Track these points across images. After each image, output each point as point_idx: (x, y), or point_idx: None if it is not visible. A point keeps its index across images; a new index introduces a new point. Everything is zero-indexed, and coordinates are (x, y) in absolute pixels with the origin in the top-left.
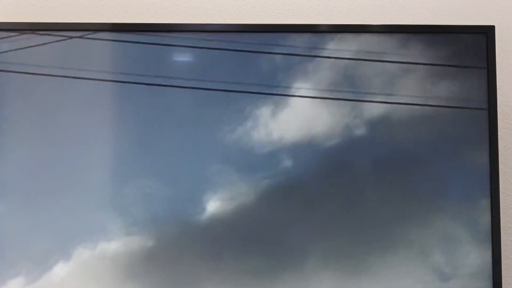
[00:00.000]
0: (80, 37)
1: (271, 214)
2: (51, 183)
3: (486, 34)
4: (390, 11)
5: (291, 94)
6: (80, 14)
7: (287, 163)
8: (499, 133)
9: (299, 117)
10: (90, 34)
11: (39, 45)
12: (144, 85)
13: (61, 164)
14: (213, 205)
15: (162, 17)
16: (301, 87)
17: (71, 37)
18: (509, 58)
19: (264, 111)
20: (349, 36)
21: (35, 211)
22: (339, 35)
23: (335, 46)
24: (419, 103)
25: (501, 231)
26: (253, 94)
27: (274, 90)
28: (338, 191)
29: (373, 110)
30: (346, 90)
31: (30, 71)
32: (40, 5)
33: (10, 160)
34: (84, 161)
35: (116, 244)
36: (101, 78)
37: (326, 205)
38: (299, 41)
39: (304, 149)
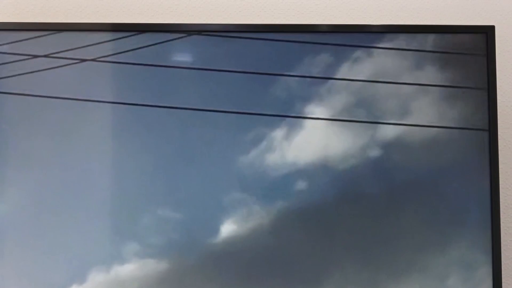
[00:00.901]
0: (94, 59)
1: (286, 238)
2: (67, 209)
3: (486, 34)
4: (390, 11)
5: (305, 116)
6: (80, 14)
7: (302, 186)
8: (499, 133)
9: (313, 139)
10: (103, 58)
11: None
12: (158, 108)
13: (78, 190)
14: (228, 229)
15: (162, 17)
16: (315, 109)
17: (83, 60)
18: (509, 58)
19: (278, 134)
20: (363, 57)
21: (51, 235)
22: (354, 57)
23: (349, 67)
24: (433, 124)
25: (501, 231)
26: (267, 117)
27: (288, 112)
28: (353, 214)
29: (388, 132)
30: (360, 112)
31: (42, 94)
32: (40, 5)
33: (26, 186)
34: (100, 187)
35: (131, 268)
36: (114, 101)
37: (341, 229)
38: (314, 63)
39: (318, 171)
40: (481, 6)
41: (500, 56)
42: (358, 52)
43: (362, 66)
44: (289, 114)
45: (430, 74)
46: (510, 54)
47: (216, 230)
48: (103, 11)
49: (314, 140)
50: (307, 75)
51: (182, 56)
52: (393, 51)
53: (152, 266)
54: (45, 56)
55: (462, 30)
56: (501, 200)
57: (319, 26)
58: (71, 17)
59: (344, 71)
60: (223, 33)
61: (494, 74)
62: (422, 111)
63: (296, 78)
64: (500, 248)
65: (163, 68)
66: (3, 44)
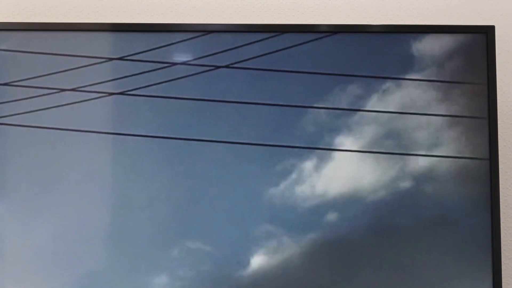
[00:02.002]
0: (122, 93)
1: (316, 270)
2: (99, 241)
3: (486, 34)
4: (390, 11)
5: (335, 148)
6: (80, 14)
7: (332, 217)
8: (499, 133)
9: (343, 171)
10: (130, 91)
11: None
12: (188, 141)
13: (110, 222)
14: (258, 261)
15: (162, 17)
16: (345, 140)
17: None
18: (509, 58)
19: (307, 165)
20: (392, 88)
21: (80, 268)
22: (383, 88)
23: (378, 99)
24: (464, 155)
25: (501, 231)
26: (296, 148)
27: (317, 144)
28: (383, 246)
29: (419, 163)
30: (389, 143)
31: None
32: (40, 5)
33: (52, 224)
34: (131, 218)
35: None
36: (141, 134)
37: (371, 261)
38: (343, 95)
39: (348, 203)
40: (481, 6)
41: (500, 56)
42: (387, 83)
43: (391, 97)
44: (318, 146)
45: (459, 104)
46: (510, 54)
47: (246, 263)
48: (103, 11)
49: (343, 172)
50: (336, 106)
51: (211, 88)
52: (422, 82)
53: None
54: (73, 90)
55: (462, 30)
56: (501, 200)
57: (319, 26)
58: (71, 17)
59: (373, 102)
60: (227, 34)
61: (494, 74)
62: (452, 142)
63: (325, 109)
64: (500, 248)
65: (192, 100)
66: (3, 44)
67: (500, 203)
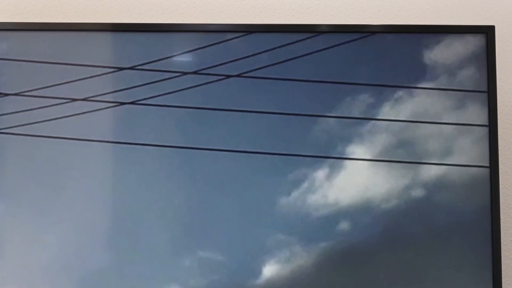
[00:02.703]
0: (132, 103)
1: (328, 279)
2: (110, 250)
3: (486, 34)
4: (390, 11)
5: (347, 157)
6: (80, 14)
7: (344, 226)
8: (499, 133)
9: (355, 180)
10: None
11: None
12: (200, 150)
13: (121, 230)
14: (270, 270)
15: (162, 17)
16: (356, 149)
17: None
18: (509, 58)
19: (319, 174)
20: (405, 97)
21: (89, 276)
22: (395, 96)
23: (390, 108)
24: (475, 164)
25: (501, 231)
26: (308, 157)
27: (329, 153)
28: (395, 255)
29: (431, 172)
30: (401, 152)
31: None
32: (40, 5)
33: (64, 234)
34: (142, 228)
35: None
36: (150, 143)
37: (383, 270)
38: (355, 104)
39: (360, 212)
40: (481, 6)
41: (500, 56)
42: (399, 92)
43: (403, 106)
44: (330, 155)
45: (470, 112)
46: (510, 54)
47: (257, 272)
48: (103, 11)
49: (355, 181)
50: (347, 115)
51: (221, 97)
52: (434, 90)
53: None
54: (84, 99)
55: (462, 30)
56: (501, 200)
57: (319, 26)
58: (71, 17)
59: (385, 111)
60: (225, 33)
61: (494, 74)
62: (464, 150)
63: (337, 118)
64: (500, 248)
65: (204, 110)
66: (3, 44)
67: (500, 202)
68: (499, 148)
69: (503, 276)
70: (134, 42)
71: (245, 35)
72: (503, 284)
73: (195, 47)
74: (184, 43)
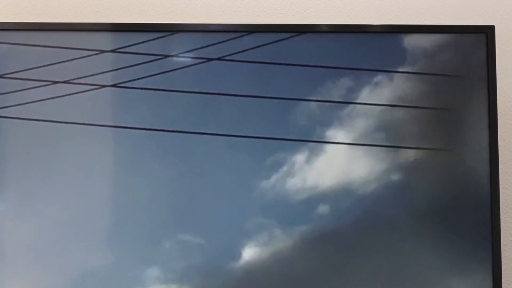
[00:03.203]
0: (115, 85)
1: (307, 262)
2: (88, 234)
3: (486, 34)
4: (390, 11)
5: (326, 140)
6: (80, 14)
7: (323, 210)
8: (499, 133)
9: (334, 164)
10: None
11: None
12: (177, 133)
13: (98, 214)
14: (249, 253)
15: (162, 17)
16: (336, 133)
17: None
18: (509, 58)
19: (299, 158)
20: (384, 82)
21: (70, 262)
22: (374, 80)
23: (369, 92)
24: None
25: (501, 231)
26: (287, 141)
27: (308, 137)
28: (374, 238)
29: (409, 155)
30: (381, 136)
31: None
32: (40, 5)
33: (48, 216)
34: (121, 212)
35: None
36: (131, 126)
37: (362, 253)
38: (334, 88)
39: (339, 196)
40: (481, 6)
41: (500, 56)
42: (379, 77)
43: (383, 90)
44: (309, 139)
45: (448, 97)
46: (510, 54)
47: (237, 255)
48: (103, 11)
49: (335, 165)
50: (327, 99)
51: (204, 81)
52: (413, 74)
53: None
54: (65, 82)
55: (462, 30)
56: (501, 200)
57: (319, 26)
58: (71, 17)
59: (364, 95)
60: (223, 33)
61: (494, 74)
62: (441, 134)
63: (317, 102)
64: (500, 248)
65: (185, 93)
66: (3, 44)
67: (500, 202)
68: (499, 147)
69: (503, 276)
70: (134, 42)
71: (245, 35)
72: (503, 284)
73: (196, 47)
74: (184, 43)
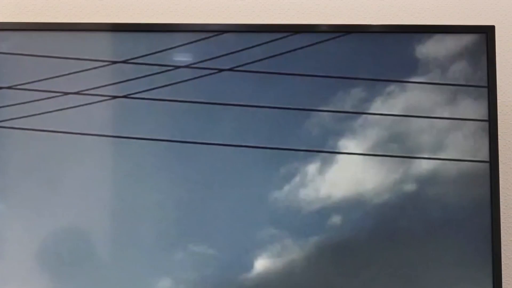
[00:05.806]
0: (125, 96)
1: (320, 273)
2: (101, 243)
3: (486, 34)
4: (390, 11)
5: (339, 151)
6: (80, 14)
7: (335, 220)
8: (499, 133)
9: (347, 174)
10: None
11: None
12: (191, 144)
13: (112, 224)
14: (261, 264)
15: (162, 17)
16: (349, 143)
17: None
18: (509, 58)
19: (311, 169)
20: (397, 91)
21: (84, 269)
22: (387, 91)
23: (382, 102)
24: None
25: (501, 231)
26: (300, 152)
27: (321, 147)
28: (387, 249)
29: (422, 166)
30: (394, 146)
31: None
32: (40, 5)
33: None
34: (133, 222)
35: None
36: (146, 137)
37: (375, 264)
38: (347, 97)
39: (352, 206)
40: (481, 6)
41: (500, 56)
42: (391, 86)
43: (395, 100)
44: (322, 149)
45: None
46: (510, 54)
47: (249, 266)
48: (103, 11)
49: (347, 175)
50: (340, 110)
51: (215, 91)
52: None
53: None
54: (76, 93)
55: (462, 30)
56: (501, 200)
57: (319, 26)
58: (71, 17)
59: (377, 105)
60: (223, 33)
61: (494, 74)
62: (456, 145)
63: (329, 113)
64: (500, 248)
65: (196, 103)
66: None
67: (500, 202)
68: (499, 147)
69: (503, 276)
70: (134, 42)
71: (250, 35)
72: (503, 284)
73: (206, 57)
74: (193, 52)
